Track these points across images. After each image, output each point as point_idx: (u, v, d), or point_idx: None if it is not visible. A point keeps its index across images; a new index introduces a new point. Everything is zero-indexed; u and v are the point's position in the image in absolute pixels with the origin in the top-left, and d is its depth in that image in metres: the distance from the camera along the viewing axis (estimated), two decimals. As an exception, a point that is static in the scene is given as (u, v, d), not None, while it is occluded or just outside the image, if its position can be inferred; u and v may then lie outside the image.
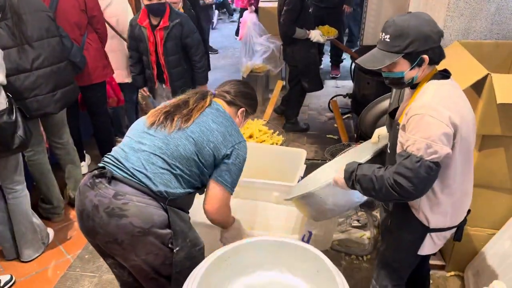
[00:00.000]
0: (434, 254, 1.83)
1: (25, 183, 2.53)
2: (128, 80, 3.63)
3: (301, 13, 3.79)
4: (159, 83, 3.38)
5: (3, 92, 2.20)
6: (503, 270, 2.03)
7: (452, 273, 2.42)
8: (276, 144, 3.09)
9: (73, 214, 3.10)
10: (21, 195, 2.51)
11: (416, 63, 1.47)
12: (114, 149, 1.71)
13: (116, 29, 3.48)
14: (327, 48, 5.89)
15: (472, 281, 2.22)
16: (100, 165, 1.65)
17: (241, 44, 5.02)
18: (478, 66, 1.93)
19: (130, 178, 1.57)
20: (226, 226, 1.85)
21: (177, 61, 3.25)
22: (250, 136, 3.12)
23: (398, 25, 1.44)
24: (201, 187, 1.75)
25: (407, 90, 1.64)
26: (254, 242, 1.59)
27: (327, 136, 4.23)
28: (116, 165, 1.61)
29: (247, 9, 5.62)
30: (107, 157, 1.68)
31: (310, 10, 3.91)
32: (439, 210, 1.57)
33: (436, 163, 1.40)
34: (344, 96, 4.51)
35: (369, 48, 4.46)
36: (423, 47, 1.44)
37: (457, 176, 1.53)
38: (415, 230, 1.63)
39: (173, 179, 1.62)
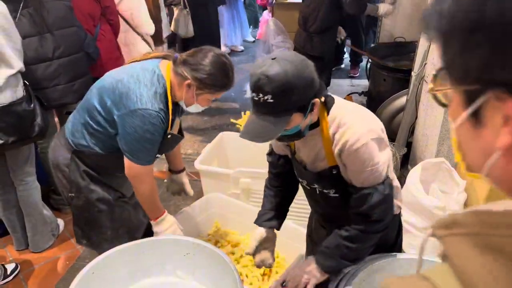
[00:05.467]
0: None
1: (35, 175, 2.52)
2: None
3: None
4: None
5: (21, 80, 2.20)
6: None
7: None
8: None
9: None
10: (32, 187, 2.50)
11: (308, 111, 1.23)
12: None
13: (130, 23, 3.47)
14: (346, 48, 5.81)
15: None
16: None
17: (260, 43, 5.01)
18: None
19: None
20: (150, 212, 1.84)
21: None
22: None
23: (276, 80, 1.14)
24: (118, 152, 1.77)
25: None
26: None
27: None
28: None
29: (266, 8, 5.62)
30: None
31: None
32: None
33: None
34: (360, 94, 4.44)
35: (386, 45, 4.38)
36: (312, 92, 1.21)
37: None
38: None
39: (80, 129, 1.78)
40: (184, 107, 1.76)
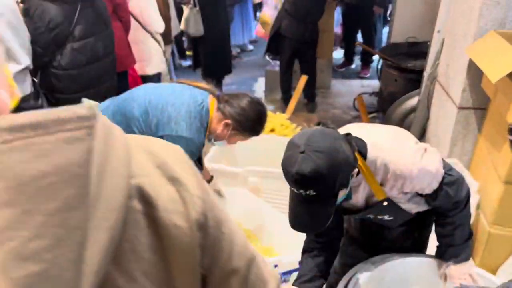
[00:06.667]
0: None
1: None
2: (150, 72, 3.61)
3: None
4: None
5: (29, 76, 2.20)
6: (539, 274, 1.89)
7: (482, 277, 2.29)
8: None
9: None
10: None
11: (349, 183, 1.22)
12: None
13: (140, 20, 3.46)
14: (358, 49, 5.75)
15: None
16: None
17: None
18: (516, 54, 1.80)
19: None
20: None
21: None
22: (272, 130, 3.05)
23: (314, 178, 1.10)
24: None
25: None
26: None
27: (352, 134, 4.11)
28: None
29: None
30: None
31: None
32: None
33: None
34: (370, 95, 4.40)
35: (397, 45, 4.31)
36: (350, 168, 1.19)
37: None
38: None
39: None
40: (212, 140, 1.85)
